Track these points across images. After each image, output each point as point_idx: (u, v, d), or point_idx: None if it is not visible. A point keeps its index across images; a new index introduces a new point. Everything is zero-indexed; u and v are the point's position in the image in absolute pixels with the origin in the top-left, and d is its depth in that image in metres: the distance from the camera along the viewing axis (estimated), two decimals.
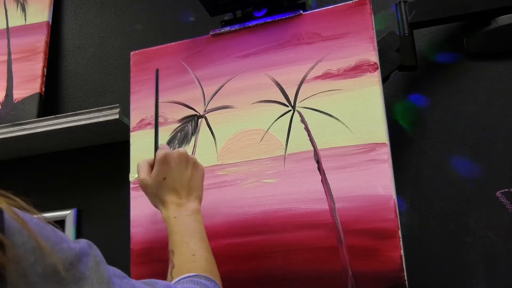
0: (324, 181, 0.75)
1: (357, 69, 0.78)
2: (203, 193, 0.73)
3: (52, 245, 0.38)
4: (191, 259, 0.62)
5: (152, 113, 0.89)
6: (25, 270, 0.35)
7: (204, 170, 0.74)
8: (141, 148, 0.88)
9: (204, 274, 0.60)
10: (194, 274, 0.59)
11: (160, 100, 0.89)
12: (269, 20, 0.86)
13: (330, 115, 0.78)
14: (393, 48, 0.89)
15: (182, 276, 0.59)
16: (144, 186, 0.70)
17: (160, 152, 0.70)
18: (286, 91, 0.82)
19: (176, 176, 0.69)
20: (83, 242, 0.43)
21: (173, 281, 0.59)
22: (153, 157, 0.72)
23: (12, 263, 0.34)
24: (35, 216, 0.39)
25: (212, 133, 0.85)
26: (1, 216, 0.35)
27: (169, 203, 0.68)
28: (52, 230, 0.40)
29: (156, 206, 0.70)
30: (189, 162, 0.71)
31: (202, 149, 0.84)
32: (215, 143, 0.84)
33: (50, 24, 1.27)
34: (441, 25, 0.95)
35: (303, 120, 0.79)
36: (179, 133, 0.87)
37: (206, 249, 0.65)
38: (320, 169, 0.76)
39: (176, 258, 0.63)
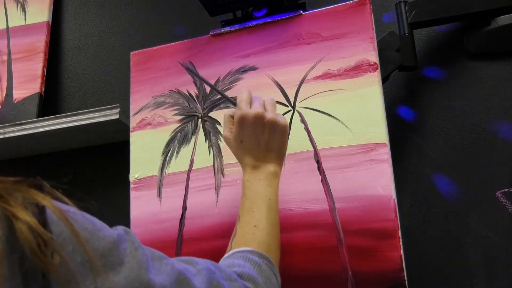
0: (324, 181, 0.75)
1: (357, 69, 0.78)
2: (286, 151, 0.71)
3: (90, 233, 0.39)
4: (252, 230, 0.61)
5: (153, 113, 0.89)
6: (65, 259, 0.36)
7: (287, 126, 0.69)
8: (141, 148, 0.88)
9: (260, 250, 0.59)
10: (249, 249, 0.58)
11: (160, 100, 0.89)
12: (269, 20, 0.86)
13: (330, 115, 0.78)
14: (393, 48, 0.89)
15: (237, 250, 0.59)
16: (227, 143, 0.71)
17: (237, 112, 0.68)
18: (286, 91, 0.82)
19: (253, 140, 0.67)
20: (120, 228, 0.44)
21: (227, 253, 0.59)
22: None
23: (54, 253, 0.36)
24: (71, 206, 0.41)
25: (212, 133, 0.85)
26: (44, 211, 0.37)
27: (245, 165, 0.68)
28: (89, 219, 0.41)
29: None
30: (266, 126, 0.67)
31: (202, 149, 0.84)
32: None
33: (50, 24, 1.27)
34: (441, 25, 0.95)
35: (303, 120, 0.79)
36: (179, 133, 0.86)
37: (270, 220, 0.63)
38: (320, 169, 0.76)
39: (239, 226, 0.63)
